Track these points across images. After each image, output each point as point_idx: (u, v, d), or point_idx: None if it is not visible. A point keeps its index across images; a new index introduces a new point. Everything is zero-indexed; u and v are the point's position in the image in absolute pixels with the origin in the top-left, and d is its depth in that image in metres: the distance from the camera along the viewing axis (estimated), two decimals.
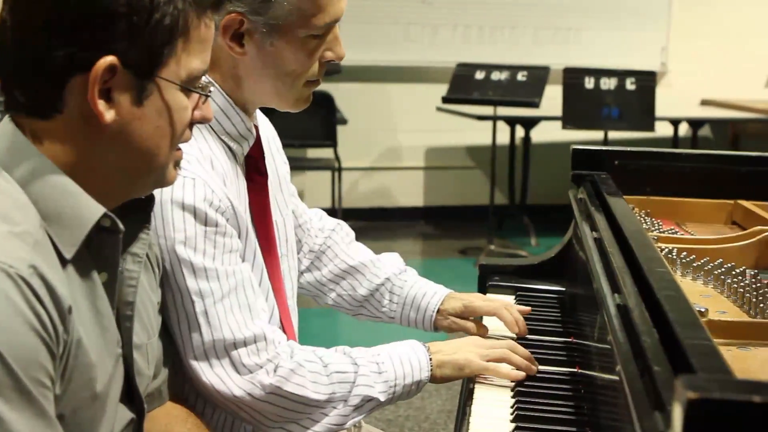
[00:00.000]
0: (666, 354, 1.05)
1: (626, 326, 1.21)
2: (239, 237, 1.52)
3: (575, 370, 1.68)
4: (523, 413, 1.51)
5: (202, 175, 1.45)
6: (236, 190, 1.53)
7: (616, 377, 1.17)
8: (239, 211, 1.51)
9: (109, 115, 1.12)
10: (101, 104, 1.11)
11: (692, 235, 2.02)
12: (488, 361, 1.62)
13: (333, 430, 1.53)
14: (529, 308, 1.91)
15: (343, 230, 1.95)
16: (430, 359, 1.58)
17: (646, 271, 1.33)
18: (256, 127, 1.61)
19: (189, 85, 1.18)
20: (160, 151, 1.18)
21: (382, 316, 1.90)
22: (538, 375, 1.64)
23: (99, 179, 1.15)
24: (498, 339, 1.76)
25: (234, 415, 1.52)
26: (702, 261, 1.73)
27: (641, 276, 1.33)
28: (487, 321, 1.88)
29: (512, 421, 1.49)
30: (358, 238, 1.99)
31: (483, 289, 2.15)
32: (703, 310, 1.42)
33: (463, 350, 1.62)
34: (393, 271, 1.90)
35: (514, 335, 1.82)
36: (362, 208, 6.73)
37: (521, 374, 1.62)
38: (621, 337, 1.19)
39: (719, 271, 1.68)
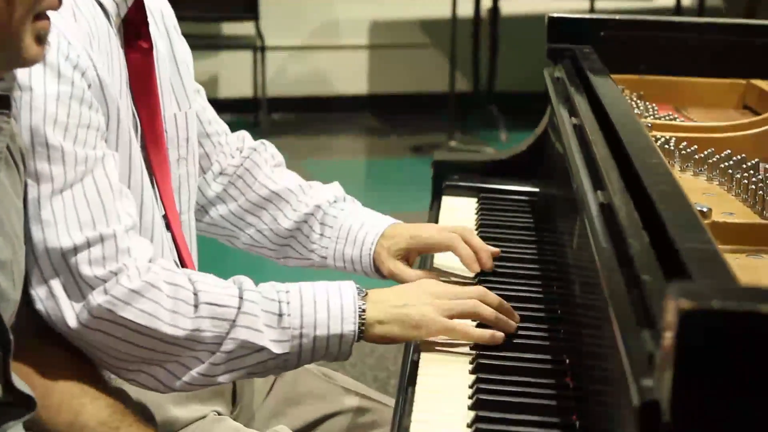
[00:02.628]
0: (658, 261, 1.05)
1: (610, 229, 1.21)
2: (106, 119, 1.45)
3: (551, 289, 1.70)
4: (483, 361, 1.46)
5: (59, 24, 1.38)
6: (107, 59, 1.48)
7: (597, 291, 1.18)
8: (108, 83, 1.46)
9: None
10: None
11: (695, 121, 2.03)
12: (452, 317, 1.49)
13: (206, 383, 1.45)
14: (498, 250, 1.78)
15: (268, 151, 1.89)
16: (363, 310, 1.47)
17: (637, 163, 1.34)
18: None
19: None
20: (3, 21, 1.15)
21: (312, 256, 1.82)
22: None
23: None
24: (463, 281, 1.73)
25: (83, 349, 1.42)
26: (706, 153, 1.74)
27: (630, 169, 1.33)
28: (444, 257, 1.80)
29: (472, 370, 1.45)
30: (286, 134, 1.95)
31: (438, 190, 2.16)
32: (705, 210, 1.43)
33: (418, 301, 1.49)
34: (327, 198, 1.82)
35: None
36: (292, 98, 6.66)
37: (499, 336, 1.50)
38: (603, 242, 1.20)
39: (727, 164, 1.70)
